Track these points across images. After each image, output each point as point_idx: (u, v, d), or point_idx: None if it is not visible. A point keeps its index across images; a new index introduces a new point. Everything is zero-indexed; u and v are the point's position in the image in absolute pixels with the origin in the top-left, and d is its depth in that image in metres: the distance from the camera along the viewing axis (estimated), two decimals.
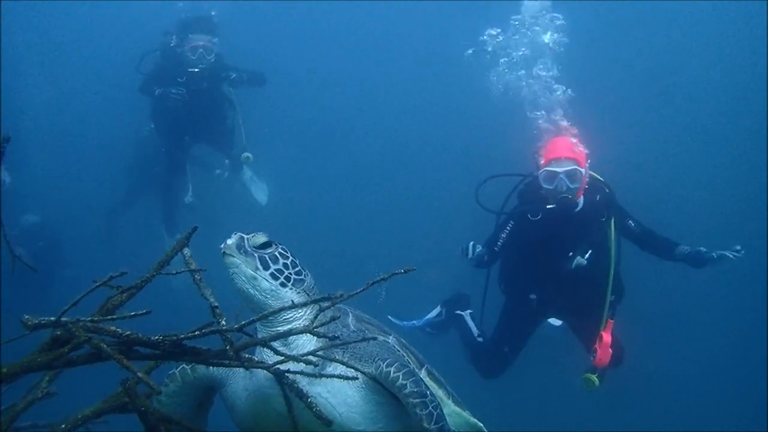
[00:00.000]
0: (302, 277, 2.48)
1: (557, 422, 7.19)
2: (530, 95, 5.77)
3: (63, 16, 12.08)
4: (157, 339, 1.76)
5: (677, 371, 8.41)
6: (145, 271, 1.89)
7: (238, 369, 2.37)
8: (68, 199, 9.79)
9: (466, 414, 2.75)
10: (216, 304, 1.86)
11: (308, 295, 2.48)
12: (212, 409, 2.83)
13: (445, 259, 6.16)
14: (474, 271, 5.12)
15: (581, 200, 4.85)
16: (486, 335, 5.34)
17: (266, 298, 2.40)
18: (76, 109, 11.62)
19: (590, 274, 4.89)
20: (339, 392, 2.44)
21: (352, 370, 2.33)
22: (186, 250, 1.98)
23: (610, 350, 4.66)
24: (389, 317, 5.71)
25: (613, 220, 4.89)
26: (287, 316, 2.44)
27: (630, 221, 4.94)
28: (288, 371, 2.05)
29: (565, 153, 4.73)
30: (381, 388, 2.47)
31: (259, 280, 2.39)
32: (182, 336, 1.78)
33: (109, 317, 1.77)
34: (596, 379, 4.70)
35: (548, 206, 4.73)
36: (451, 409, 2.68)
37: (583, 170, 4.71)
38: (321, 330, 2.01)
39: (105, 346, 1.69)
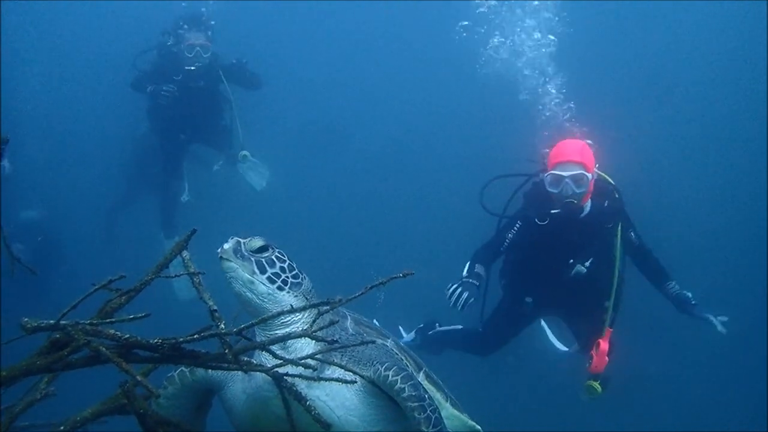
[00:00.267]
0: (299, 280, 2.48)
1: (557, 422, 7.18)
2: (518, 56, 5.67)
3: (63, 15, 12.07)
4: (156, 342, 1.77)
5: (677, 371, 8.40)
6: (144, 273, 1.90)
7: (236, 372, 2.37)
8: (67, 196, 9.76)
9: (464, 417, 2.75)
10: (215, 308, 1.86)
11: (306, 298, 2.48)
12: (211, 412, 2.83)
13: (445, 259, 6.14)
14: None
15: (587, 205, 4.71)
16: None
17: (264, 301, 2.40)
18: (75, 107, 11.61)
19: (589, 283, 4.81)
20: (337, 395, 2.44)
21: (351, 374, 2.32)
22: (185, 253, 1.98)
23: (607, 358, 4.54)
24: (400, 328, 5.71)
25: (620, 228, 4.74)
26: (285, 320, 2.44)
27: (632, 233, 4.80)
28: (286, 374, 2.05)
29: (573, 157, 4.55)
30: (379, 391, 2.47)
31: (257, 284, 2.39)
32: (181, 339, 1.78)
33: (108, 320, 1.77)
34: (598, 386, 4.59)
35: (553, 211, 4.60)
36: (449, 412, 2.68)
37: (590, 175, 4.54)
38: (319, 333, 2.01)
39: (104, 349, 1.69)
